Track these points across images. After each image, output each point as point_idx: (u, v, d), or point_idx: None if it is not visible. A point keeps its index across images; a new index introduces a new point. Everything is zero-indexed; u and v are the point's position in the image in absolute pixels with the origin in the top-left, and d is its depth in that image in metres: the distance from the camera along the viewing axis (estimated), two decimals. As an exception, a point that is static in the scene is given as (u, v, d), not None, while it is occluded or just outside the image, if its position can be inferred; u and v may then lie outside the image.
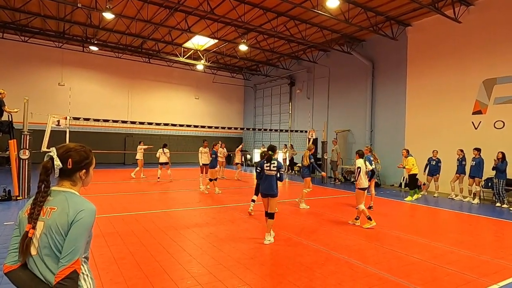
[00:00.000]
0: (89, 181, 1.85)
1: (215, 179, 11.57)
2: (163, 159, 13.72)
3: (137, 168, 15.03)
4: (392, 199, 11.44)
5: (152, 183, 13.61)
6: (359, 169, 7.38)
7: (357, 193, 7.44)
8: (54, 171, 1.67)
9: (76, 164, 1.72)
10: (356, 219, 7.49)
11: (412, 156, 11.37)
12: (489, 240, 6.81)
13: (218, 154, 12.36)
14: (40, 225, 1.58)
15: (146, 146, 15.13)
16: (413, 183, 11.41)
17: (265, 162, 6.08)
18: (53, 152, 1.69)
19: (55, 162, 1.66)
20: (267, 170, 6.01)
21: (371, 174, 8.33)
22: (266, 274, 4.55)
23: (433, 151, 12.21)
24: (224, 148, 15.44)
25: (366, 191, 7.59)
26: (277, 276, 4.46)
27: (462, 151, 11.48)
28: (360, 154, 7.69)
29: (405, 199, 11.34)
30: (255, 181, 7.66)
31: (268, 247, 5.72)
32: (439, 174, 12.18)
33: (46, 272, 1.57)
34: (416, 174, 11.39)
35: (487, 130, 11.78)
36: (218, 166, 13.11)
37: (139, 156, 14.94)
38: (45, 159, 1.68)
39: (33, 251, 1.58)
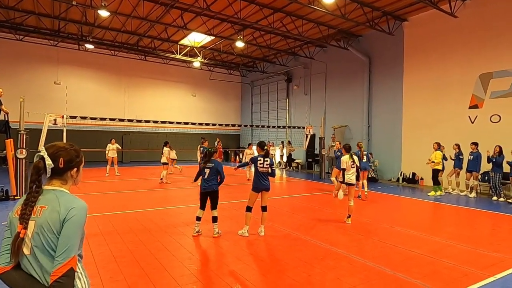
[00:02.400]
0: (80, 180, 1.84)
1: None
2: (163, 159, 13.13)
3: (112, 166, 15.15)
4: (389, 194, 11.48)
5: (149, 181, 13.57)
6: (343, 170, 7.44)
7: (342, 187, 8.06)
8: (46, 171, 1.66)
9: (67, 163, 1.72)
10: (349, 216, 7.38)
11: (440, 151, 11.11)
12: (486, 233, 6.87)
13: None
14: (31, 224, 1.57)
15: (116, 146, 15.18)
16: (436, 178, 11.08)
17: (258, 158, 6.10)
18: (43, 152, 1.67)
19: (46, 162, 1.65)
20: (260, 167, 6.06)
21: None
22: (265, 270, 4.57)
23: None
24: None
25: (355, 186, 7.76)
26: (276, 272, 4.48)
27: (458, 145, 11.43)
28: (347, 149, 7.62)
29: (428, 194, 11.19)
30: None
31: (267, 243, 5.74)
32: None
33: (41, 271, 1.57)
34: (439, 170, 11.04)
35: (483, 124, 11.84)
36: None
37: (112, 154, 15.01)
38: (35, 160, 1.67)
39: (26, 251, 1.57)
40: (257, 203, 6.24)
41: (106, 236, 5.91)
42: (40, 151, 1.68)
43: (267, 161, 6.11)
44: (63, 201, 1.62)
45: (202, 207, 6.12)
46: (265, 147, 6.21)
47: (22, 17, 15.49)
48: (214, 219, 6.04)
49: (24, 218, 1.57)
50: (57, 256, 1.53)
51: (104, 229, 6.32)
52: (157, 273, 4.33)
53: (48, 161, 1.65)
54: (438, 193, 11.05)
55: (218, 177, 6.07)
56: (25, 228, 1.56)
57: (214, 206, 6.08)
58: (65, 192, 1.70)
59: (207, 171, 6.07)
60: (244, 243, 5.71)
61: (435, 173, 11.07)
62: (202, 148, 11.80)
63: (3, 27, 16.53)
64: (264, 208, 6.20)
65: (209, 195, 6.08)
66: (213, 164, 6.07)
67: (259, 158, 6.10)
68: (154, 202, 9.37)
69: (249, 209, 6.14)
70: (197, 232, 6.10)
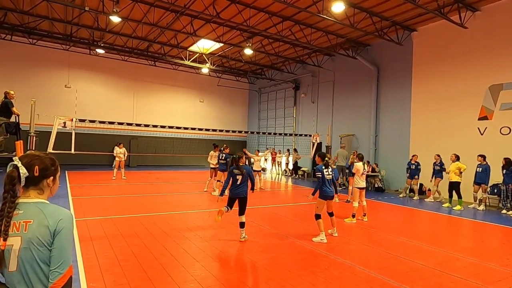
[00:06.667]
0: (56, 189, 1.81)
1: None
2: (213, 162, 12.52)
3: (119, 170, 15.23)
4: (396, 205, 11.36)
5: (155, 185, 13.63)
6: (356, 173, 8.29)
7: (355, 192, 8.30)
8: (20, 180, 1.62)
9: (42, 171, 1.68)
10: (353, 216, 8.16)
11: (459, 162, 10.85)
12: (495, 247, 6.74)
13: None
14: (17, 240, 1.55)
15: (124, 150, 15.26)
16: (458, 191, 10.73)
17: (324, 167, 6.48)
18: (17, 161, 1.64)
19: (20, 171, 1.61)
20: (327, 175, 6.49)
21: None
22: (268, 278, 4.53)
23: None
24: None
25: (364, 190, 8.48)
26: (279, 280, 4.44)
27: (439, 156, 11.87)
28: (360, 158, 8.47)
29: (449, 207, 10.93)
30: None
31: (271, 251, 5.71)
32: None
33: (31, 284, 1.56)
34: (459, 182, 10.72)
35: (493, 136, 11.69)
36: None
37: (119, 157, 15.11)
38: (8, 169, 1.63)
39: (12, 267, 1.55)
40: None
41: (111, 239, 5.93)
42: (13, 160, 1.65)
43: (329, 169, 6.59)
44: (48, 213, 1.60)
45: (230, 206, 6.27)
46: (326, 158, 6.67)
47: (36, 21, 15.84)
48: (242, 225, 6.18)
49: (2, 230, 1.53)
50: (55, 268, 1.54)
51: (109, 232, 6.35)
52: (160, 278, 4.33)
53: (23, 170, 1.61)
54: (457, 207, 10.60)
55: (249, 182, 6.31)
56: (5, 240, 1.53)
57: (242, 212, 6.19)
58: (47, 203, 1.67)
59: (239, 177, 6.11)
60: (248, 250, 5.68)
61: (457, 186, 10.72)
62: (224, 155, 11.53)
63: (18, 31, 16.89)
64: (331, 214, 6.82)
65: (238, 200, 6.20)
66: (245, 170, 6.17)
67: (324, 169, 6.48)
68: (159, 206, 9.39)
69: (319, 216, 6.41)
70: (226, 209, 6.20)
